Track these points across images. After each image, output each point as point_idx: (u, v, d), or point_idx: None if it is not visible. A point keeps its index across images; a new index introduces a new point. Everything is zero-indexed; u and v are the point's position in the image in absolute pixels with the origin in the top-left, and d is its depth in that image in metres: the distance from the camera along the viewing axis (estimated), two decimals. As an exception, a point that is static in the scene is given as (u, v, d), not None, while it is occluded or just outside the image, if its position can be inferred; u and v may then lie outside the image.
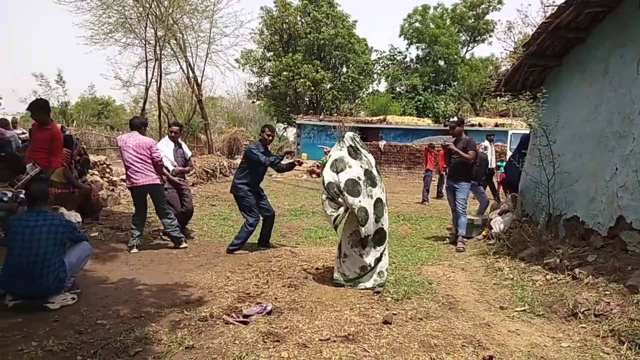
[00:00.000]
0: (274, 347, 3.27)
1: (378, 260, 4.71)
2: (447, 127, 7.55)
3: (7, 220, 3.99)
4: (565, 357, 3.26)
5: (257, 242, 6.50)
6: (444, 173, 11.83)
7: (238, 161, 21.50)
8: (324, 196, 4.69)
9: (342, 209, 4.57)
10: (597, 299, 3.86)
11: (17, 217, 4.00)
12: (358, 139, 4.92)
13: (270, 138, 6.37)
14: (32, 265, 3.66)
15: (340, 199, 4.52)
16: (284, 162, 6.44)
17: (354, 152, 4.73)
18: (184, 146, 7.10)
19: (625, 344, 3.29)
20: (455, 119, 7.18)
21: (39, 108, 5.74)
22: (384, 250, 4.77)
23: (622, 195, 4.84)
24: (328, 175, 4.60)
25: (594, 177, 5.47)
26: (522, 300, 4.46)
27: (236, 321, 3.71)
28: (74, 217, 5.23)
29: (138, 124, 6.21)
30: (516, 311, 4.19)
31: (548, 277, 4.82)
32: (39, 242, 3.69)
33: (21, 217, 3.92)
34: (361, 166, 4.67)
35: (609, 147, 5.24)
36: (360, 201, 4.46)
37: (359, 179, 4.55)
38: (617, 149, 5.07)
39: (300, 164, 6.70)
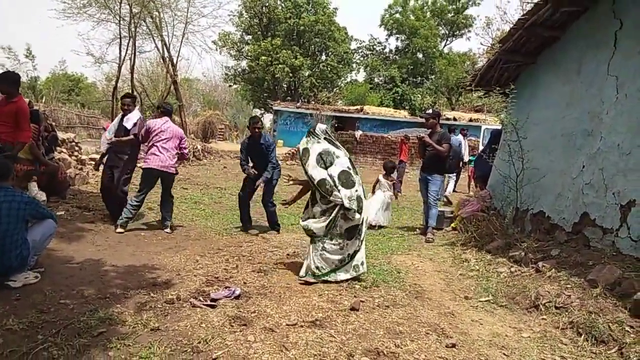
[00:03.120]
0: (240, 331, 3.27)
1: (356, 252, 4.55)
2: (423, 120, 7.61)
3: None
4: (525, 347, 3.36)
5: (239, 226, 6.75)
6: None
7: (212, 145, 21.29)
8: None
9: (334, 212, 4.35)
10: (559, 292, 3.98)
11: None
12: (329, 131, 4.80)
13: (257, 130, 6.45)
14: None
15: (335, 194, 4.31)
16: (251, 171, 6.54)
17: (332, 142, 4.64)
18: (133, 116, 6.28)
19: (583, 336, 3.41)
20: (431, 111, 7.24)
21: (6, 79, 5.52)
22: (362, 241, 4.63)
23: (588, 192, 4.99)
24: (317, 172, 4.35)
25: (561, 174, 5.62)
26: (486, 291, 4.57)
27: (203, 304, 3.69)
28: (39, 195, 5.05)
29: (171, 111, 6.34)
30: (480, 301, 4.29)
31: (512, 269, 4.94)
32: (0, 218, 3.57)
33: None
34: (345, 155, 4.63)
35: (577, 145, 5.38)
36: (356, 190, 4.41)
37: (349, 169, 4.48)
38: (585, 147, 5.21)
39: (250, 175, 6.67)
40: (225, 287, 4.07)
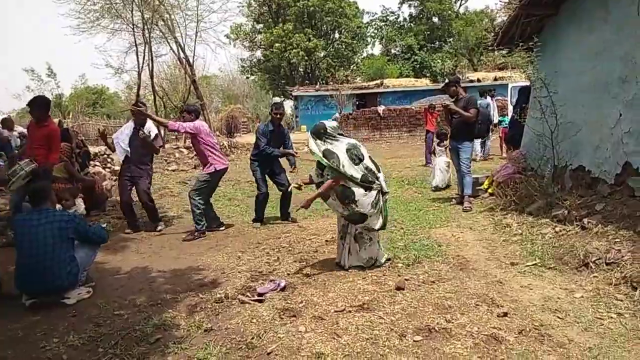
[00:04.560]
0: (291, 322, 3.31)
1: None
2: (442, 87, 7.42)
3: (13, 221, 4.00)
4: (579, 308, 3.29)
5: (279, 215, 6.76)
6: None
7: (237, 139, 21.46)
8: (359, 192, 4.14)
9: (380, 199, 4.23)
10: (608, 248, 3.87)
11: (21, 218, 4.01)
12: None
13: (279, 116, 6.49)
14: (43, 264, 3.69)
15: (376, 183, 4.22)
16: (277, 152, 6.48)
17: (344, 135, 4.49)
18: (150, 127, 6.34)
19: (638, 290, 3.32)
20: (447, 80, 7.07)
21: (38, 104, 5.70)
22: None
23: (628, 141, 4.80)
24: (355, 170, 4.13)
25: (598, 125, 5.42)
26: (532, 254, 4.48)
27: (251, 300, 3.75)
28: (80, 209, 5.19)
29: (200, 111, 6.48)
30: (527, 266, 4.21)
31: (557, 229, 4.83)
32: (45, 240, 3.70)
33: (25, 217, 3.94)
34: (356, 141, 4.54)
35: (611, 93, 5.17)
36: (380, 171, 4.37)
37: (367, 154, 4.39)
38: (621, 94, 4.99)
39: (292, 167, 6.70)
40: (270, 281, 4.12)
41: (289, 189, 5.96)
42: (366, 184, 4.14)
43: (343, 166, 4.10)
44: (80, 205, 5.19)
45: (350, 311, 3.44)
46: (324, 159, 4.16)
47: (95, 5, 15.28)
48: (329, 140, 4.26)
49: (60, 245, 3.75)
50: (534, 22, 7.01)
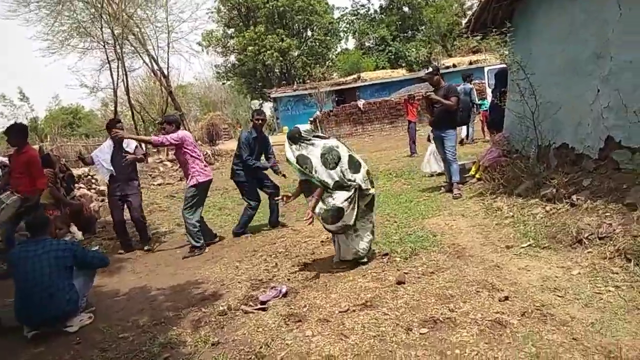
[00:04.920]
0: (297, 328, 3.33)
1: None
2: (423, 77, 7.46)
3: (9, 253, 3.96)
4: (578, 284, 3.36)
5: (268, 222, 6.65)
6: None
7: (220, 147, 21.35)
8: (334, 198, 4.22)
9: (355, 197, 4.25)
10: (599, 222, 3.95)
11: (18, 250, 3.98)
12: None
13: (260, 122, 6.42)
14: (42, 294, 3.65)
15: (352, 185, 4.23)
16: (261, 165, 6.42)
17: (320, 137, 4.47)
18: (129, 142, 6.30)
19: (632, 261, 3.39)
20: (430, 69, 7.12)
21: (14, 132, 5.63)
22: None
23: (607, 115, 4.89)
24: (328, 176, 4.17)
25: (576, 103, 5.51)
26: (525, 235, 4.55)
27: (255, 309, 3.76)
28: (76, 235, 5.12)
29: (180, 121, 6.36)
30: (522, 248, 4.27)
31: (547, 208, 4.91)
32: (42, 270, 3.67)
33: (22, 249, 3.91)
34: (336, 139, 4.55)
35: (587, 70, 5.25)
36: (363, 167, 4.37)
37: (349, 152, 4.41)
38: (596, 71, 5.08)
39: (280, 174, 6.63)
40: (272, 288, 4.13)
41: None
42: (340, 187, 4.19)
43: (316, 172, 4.15)
44: (76, 232, 5.11)
45: (354, 310, 3.46)
46: (297, 165, 4.21)
47: (63, 26, 15.08)
48: (304, 145, 4.28)
49: (58, 274, 3.72)
50: (505, 7, 7.09)
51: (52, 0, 14.68)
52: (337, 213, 4.20)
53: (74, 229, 5.95)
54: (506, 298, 3.29)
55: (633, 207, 3.85)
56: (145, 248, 6.27)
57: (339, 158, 4.23)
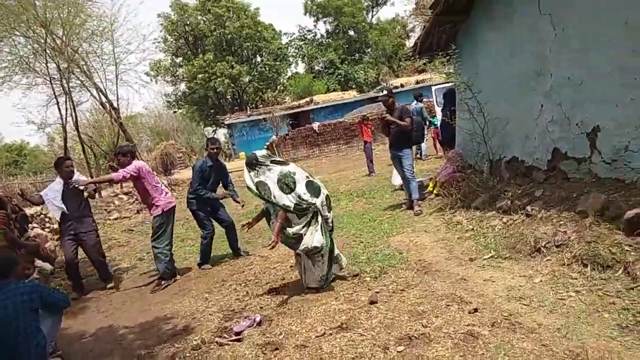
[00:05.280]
0: (275, 357, 3.33)
1: (333, 242, 4.62)
2: (376, 97, 7.72)
3: None
4: (541, 292, 3.54)
5: (228, 254, 6.53)
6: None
7: (176, 176, 20.96)
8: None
9: (318, 219, 4.36)
10: (554, 231, 4.19)
11: None
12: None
13: (216, 150, 6.39)
14: (9, 342, 3.47)
15: (310, 209, 4.34)
16: (211, 195, 6.31)
17: (278, 162, 4.56)
18: (78, 176, 6.02)
19: (589, 266, 3.62)
20: (384, 92, 7.37)
21: None
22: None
23: (552, 129, 5.22)
24: (287, 200, 4.27)
25: (523, 118, 5.85)
26: (486, 247, 4.75)
27: (230, 341, 3.72)
28: (45, 265, 4.78)
29: (134, 152, 6.16)
30: (485, 259, 4.46)
31: (504, 219, 5.14)
32: (8, 316, 3.47)
33: None
34: (296, 166, 4.63)
35: (530, 86, 5.60)
36: (323, 193, 4.46)
37: (308, 177, 4.51)
38: (538, 87, 5.43)
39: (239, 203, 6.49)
40: (245, 317, 4.10)
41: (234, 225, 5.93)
42: (299, 212, 4.30)
43: (274, 197, 4.27)
44: (43, 264, 4.77)
45: (330, 334, 3.49)
46: (256, 191, 4.33)
47: (4, 63, 14.54)
48: (262, 170, 4.40)
49: (24, 319, 3.53)
50: (448, 29, 7.48)
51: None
52: (297, 239, 4.33)
53: (39, 263, 5.56)
54: (475, 310, 3.42)
55: (584, 214, 4.11)
56: (108, 286, 6.06)
57: (294, 183, 4.34)
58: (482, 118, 6.27)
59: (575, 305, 3.24)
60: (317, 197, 4.38)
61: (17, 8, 13.57)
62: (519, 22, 5.73)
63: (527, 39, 5.60)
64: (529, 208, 4.87)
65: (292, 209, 4.26)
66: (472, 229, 5.40)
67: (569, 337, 2.86)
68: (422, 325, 3.35)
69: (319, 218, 4.38)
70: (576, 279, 3.58)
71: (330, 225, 4.59)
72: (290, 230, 4.32)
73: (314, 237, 4.34)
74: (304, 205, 4.29)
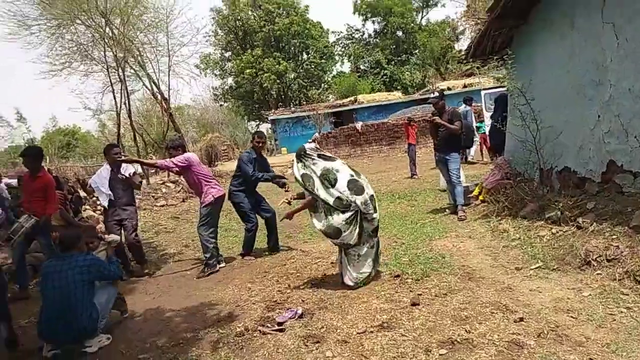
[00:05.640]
0: (316, 349, 3.39)
1: (378, 245, 4.75)
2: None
3: (41, 267, 4.11)
4: (590, 306, 3.46)
5: (267, 247, 6.59)
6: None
7: (219, 168, 21.44)
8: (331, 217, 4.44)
9: (358, 218, 4.41)
10: (606, 245, 4.07)
11: (47, 264, 4.12)
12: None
13: (261, 144, 6.54)
14: (66, 308, 3.76)
15: (352, 206, 4.39)
16: (266, 176, 6.45)
17: (325, 157, 4.68)
18: (127, 167, 6.31)
19: (642, 283, 3.51)
20: (436, 94, 7.31)
21: (32, 156, 5.71)
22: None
23: (609, 140, 5.05)
24: (328, 194, 4.42)
25: (578, 127, 5.68)
26: (534, 257, 4.65)
27: (272, 330, 3.81)
28: (114, 237, 5.00)
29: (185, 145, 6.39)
30: (532, 269, 4.38)
31: (553, 230, 5.02)
32: (68, 285, 3.79)
33: (50, 264, 4.06)
34: (343, 163, 4.71)
35: (588, 96, 5.44)
36: (367, 193, 4.50)
37: (352, 176, 4.55)
38: (596, 97, 5.26)
39: (285, 188, 6.43)
40: (287, 309, 4.19)
41: (279, 214, 6.02)
42: (340, 206, 4.39)
43: (317, 190, 4.45)
44: (109, 235, 4.92)
45: (372, 332, 3.53)
46: (302, 182, 4.55)
47: (64, 49, 15.26)
48: (308, 163, 4.59)
49: (81, 290, 3.84)
50: (504, 33, 7.34)
51: (53, 24, 14.90)
52: (335, 231, 4.44)
53: (110, 236, 5.72)
54: (521, 319, 3.38)
55: (639, 229, 3.98)
56: (145, 271, 6.24)
57: (335, 180, 4.45)
58: (534, 125, 6.12)
59: (626, 321, 3.15)
60: (359, 196, 4.43)
61: (79, -3, 14.24)
62: (580, 29, 5.57)
63: (587, 47, 5.43)
64: (580, 220, 4.74)
65: (331, 203, 4.40)
66: (519, 238, 5.30)
67: (619, 353, 2.79)
68: (465, 331, 3.34)
69: (358, 217, 4.44)
70: (627, 295, 3.48)
71: (375, 224, 4.62)
72: (330, 221, 4.44)
73: (352, 235, 4.43)
74: (344, 202, 4.38)
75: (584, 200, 5.18)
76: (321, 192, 4.43)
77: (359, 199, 4.41)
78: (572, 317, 3.35)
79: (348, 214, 4.40)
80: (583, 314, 3.35)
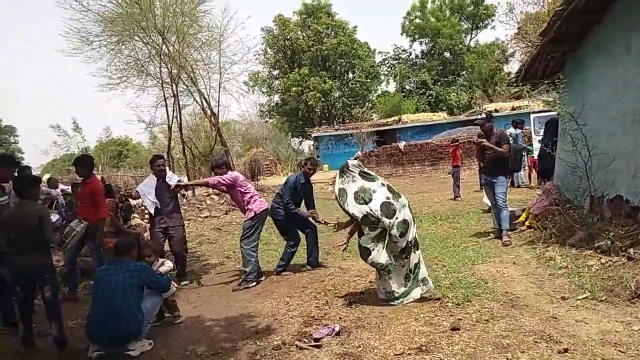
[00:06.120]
0: (353, 367, 3.38)
1: (417, 265, 4.74)
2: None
3: (90, 271, 4.37)
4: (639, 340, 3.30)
5: (307, 263, 6.65)
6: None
7: (261, 182, 21.80)
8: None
9: (385, 236, 4.52)
10: (659, 278, 3.88)
11: (102, 268, 4.41)
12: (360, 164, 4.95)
13: (312, 172, 6.62)
14: (115, 308, 3.94)
15: (378, 225, 4.50)
16: (300, 212, 6.53)
17: (367, 176, 4.75)
18: (172, 176, 6.65)
19: (698, 321, 3.32)
20: (483, 115, 7.23)
21: (82, 163, 6.03)
22: (419, 255, 4.82)
23: (665, 169, 4.85)
24: (357, 209, 4.52)
25: (631, 155, 5.49)
26: (581, 287, 4.49)
27: (309, 346, 3.83)
28: (167, 267, 5.21)
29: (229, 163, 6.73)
30: (579, 300, 4.23)
31: (602, 260, 4.84)
32: (118, 287, 4.02)
33: (103, 268, 4.37)
34: (382, 184, 4.73)
35: (642, 123, 5.25)
36: (397, 218, 4.51)
37: (389, 198, 4.59)
38: (652, 123, 5.08)
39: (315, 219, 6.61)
40: (324, 325, 4.20)
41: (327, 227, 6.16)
42: (366, 223, 4.55)
43: (347, 205, 4.56)
44: (167, 263, 5.10)
45: (410, 354, 3.49)
46: (337, 195, 4.69)
47: (122, 64, 16.04)
48: (348, 179, 4.71)
49: (131, 293, 4.07)
50: (556, 57, 7.21)
51: (112, 40, 15.73)
52: (364, 252, 4.60)
53: (167, 262, 5.86)
54: (565, 350, 3.27)
55: (696, 264, 3.78)
56: (182, 283, 6.27)
57: (370, 200, 4.54)
58: (586, 151, 5.94)
59: (680, 360, 3.00)
60: (389, 219, 4.49)
61: (139, 16, 14.98)
62: (635, 55, 5.41)
63: (641, 72, 5.27)
64: (631, 251, 4.55)
65: (359, 219, 4.54)
66: (566, 267, 5.12)
67: (672, 393, 2.65)
68: (506, 359, 3.26)
69: (386, 236, 4.52)
70: (683, 332, 3.30)
71: (402, 246, 4.60)
72: (360, 241, 4.64)
73: (380, 254, 4.53)
74: (372, 219, 4.48)
75: (636, 231, 4.97)
76: (350, 208, 4.55)
77: (387, 221, 4.48)
78: (620, 351, 3.21)
79: (373, 233, 4.54)
80: (632, 349, 3.21)
